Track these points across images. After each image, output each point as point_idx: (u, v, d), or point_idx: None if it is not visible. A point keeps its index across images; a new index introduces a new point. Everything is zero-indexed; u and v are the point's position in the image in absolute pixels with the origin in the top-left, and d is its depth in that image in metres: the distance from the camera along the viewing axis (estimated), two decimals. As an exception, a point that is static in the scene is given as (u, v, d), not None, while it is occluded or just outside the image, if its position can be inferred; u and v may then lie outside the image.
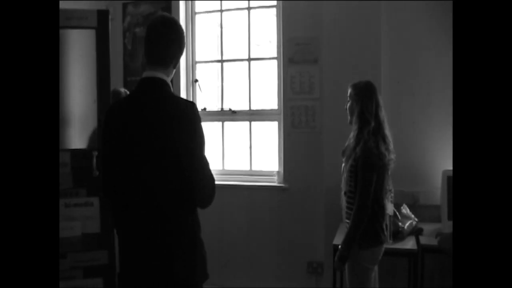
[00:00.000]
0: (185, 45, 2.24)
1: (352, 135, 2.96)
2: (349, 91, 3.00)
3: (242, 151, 4.69)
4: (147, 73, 2.15)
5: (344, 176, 2.96)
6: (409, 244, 3.36)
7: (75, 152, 3.07)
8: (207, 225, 4.45)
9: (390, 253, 3.25)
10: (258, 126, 4.62)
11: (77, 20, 3.08)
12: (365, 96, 2.90)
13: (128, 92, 3.68)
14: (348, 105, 2.97)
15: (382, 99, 2.96)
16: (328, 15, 3.95)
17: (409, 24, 3.90)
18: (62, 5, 3.54)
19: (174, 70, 2.23)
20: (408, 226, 3.48)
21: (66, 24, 3.04)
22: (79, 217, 3.04)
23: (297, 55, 4.19)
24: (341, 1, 3.87)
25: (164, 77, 2.14)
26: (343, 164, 3.02)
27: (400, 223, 3.44)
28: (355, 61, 3.82)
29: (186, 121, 2.05)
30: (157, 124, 2.05)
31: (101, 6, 4.70)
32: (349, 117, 2.99)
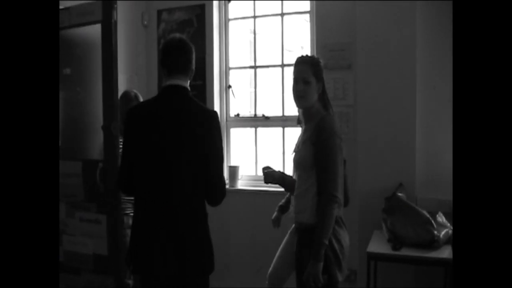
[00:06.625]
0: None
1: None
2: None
3: (275, 157, 4.69)
4: (170, 81, 2.32)
5: None
6: (445, 253, 3.28)
7: (87, 162, 2.74)
8: (240, 231, 4.52)
9: (426, 262, 3.18)
10: (291, 132, 4.61)
11: (83, 16, 2.70)
12: None
13: (138, 94, 3.54)
14: None
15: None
16: (362, 21, 3.91)
17: (446, 27, 3.81)
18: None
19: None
20: (444, 235, 3.41)
21: (72, 22, 2.75)
22: (92, 234, 2.72)
23: (331, 61, 4.16)
24: (374, 6, 3.83)
25: (186, 85, 2.34)
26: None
27: (435, 232, 3.37)
28: (389, 66, 3.77)
29: (213, 126, 2.28)
30: (187, 125, 2.24)
31: (137, 13, 4.79)
32: None
